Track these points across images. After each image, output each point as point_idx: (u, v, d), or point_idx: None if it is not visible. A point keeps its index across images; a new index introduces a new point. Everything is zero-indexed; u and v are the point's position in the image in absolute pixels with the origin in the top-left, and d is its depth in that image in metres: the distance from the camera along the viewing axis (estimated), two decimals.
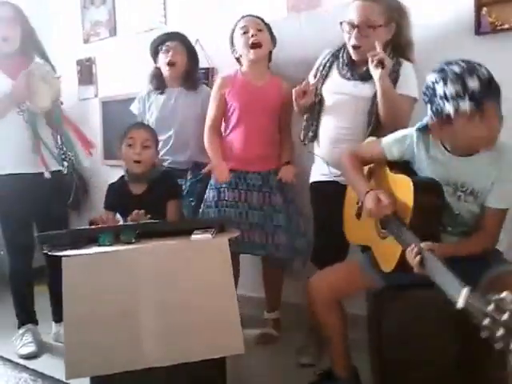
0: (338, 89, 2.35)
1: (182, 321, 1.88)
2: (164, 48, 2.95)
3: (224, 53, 2.85)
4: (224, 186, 2.71)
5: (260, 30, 2.67)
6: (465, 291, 1.33)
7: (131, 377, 1.81)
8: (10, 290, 2.86)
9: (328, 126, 2.39)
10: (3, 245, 2.87)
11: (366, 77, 2.25)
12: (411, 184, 1.72)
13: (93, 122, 3.95)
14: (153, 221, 2.27)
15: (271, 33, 2.74)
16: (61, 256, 1.91)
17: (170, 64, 2.94)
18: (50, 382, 1.10)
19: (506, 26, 2.27)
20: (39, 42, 2.86)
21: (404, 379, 1.88)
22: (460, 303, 1.33)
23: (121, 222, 2.41)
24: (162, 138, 2.87)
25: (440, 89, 1.63)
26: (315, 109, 2.42)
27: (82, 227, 2.42)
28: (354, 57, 2.30)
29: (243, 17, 2.73)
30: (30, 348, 2.74)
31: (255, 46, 2.65)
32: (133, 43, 3.57)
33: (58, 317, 2.87)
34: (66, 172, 2.88)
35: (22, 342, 2.78)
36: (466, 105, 1.58)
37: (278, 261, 2.78)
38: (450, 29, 2.40)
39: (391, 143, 1.89)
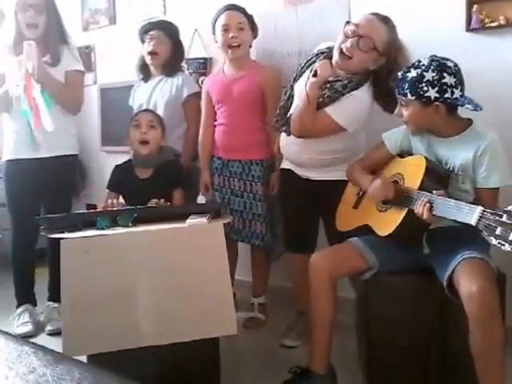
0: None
1: (177, 302, 1.93)
2: (148, 37, 2.98)
3: None
4: (213, 171, 2.87)
5: (241, 29, 2.70)
6: (478, 209, 1.59)
7: (127, 356, 1.84)
8: (12, 269, 2.92)
9: None
10: (3, 228, 2.91)
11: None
12: (423, 157, 1.93)
13: (91, 109, 3.98)
14: (150, 205, 2.31)
15: (252, 24, 2.75)
16: (59, 238, 1.96)
17: (152, 53, 2.96)
18: (50, 355, 1.16)
19: (496, 24, 2.33)
20: (64, 30, 2.90)
21: (389, 357, 1.98)
22: (473, 220, 1.59)
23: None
24: None
25: None
26: (288, 103, 2.39)
27: (80, 211, 2.47)
28: (335, 59, 2.20)
29: (225, 9, 2.72)
30: (27, 327, 2.81)
31: (234, 47, 2.71)
32: (132, 32, 3.59)
33: (53, 297, 2.92)
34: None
35: (19, 322, 2.85)
36: None
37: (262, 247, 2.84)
38: (441, 25, 2.46)
39: (390, 133, 2.09)
